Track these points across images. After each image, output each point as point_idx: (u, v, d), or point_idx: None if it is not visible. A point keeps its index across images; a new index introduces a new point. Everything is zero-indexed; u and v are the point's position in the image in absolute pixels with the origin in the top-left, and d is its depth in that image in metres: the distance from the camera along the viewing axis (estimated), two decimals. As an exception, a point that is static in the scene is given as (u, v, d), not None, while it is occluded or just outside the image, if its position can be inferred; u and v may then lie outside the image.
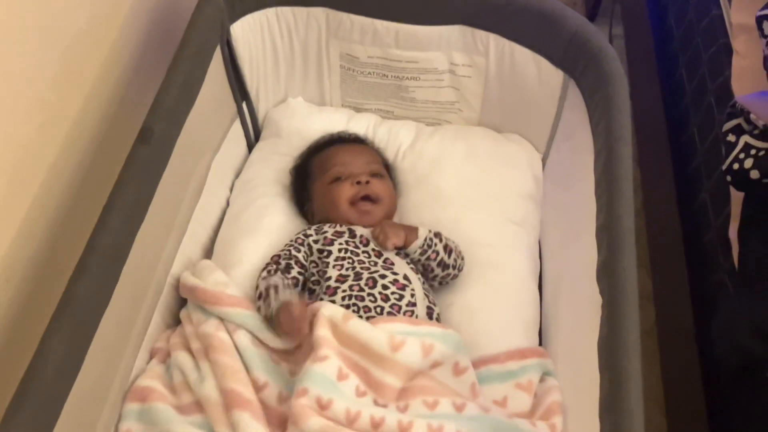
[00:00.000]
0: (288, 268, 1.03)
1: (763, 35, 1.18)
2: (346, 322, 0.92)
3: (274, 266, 1.04)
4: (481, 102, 1.30)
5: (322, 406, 0.84)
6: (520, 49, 1.19)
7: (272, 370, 0.93)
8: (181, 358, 0.95)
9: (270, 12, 1.22)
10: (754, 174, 1.05)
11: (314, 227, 1.11)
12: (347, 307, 0.97)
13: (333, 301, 0.98)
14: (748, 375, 1.06)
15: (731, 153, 1.09)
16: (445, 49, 1.23)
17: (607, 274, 0.87)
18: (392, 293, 0.99)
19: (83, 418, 0.82)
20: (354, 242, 1.07)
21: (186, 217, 1.09)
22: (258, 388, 0.91)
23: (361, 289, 0.99)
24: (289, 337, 0.95)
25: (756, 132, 1.09)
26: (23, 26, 0.90)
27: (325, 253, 1.05)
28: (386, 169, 1.20)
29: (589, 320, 0.89)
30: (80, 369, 0.79)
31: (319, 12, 1.23)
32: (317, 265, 1.05)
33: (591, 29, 1.12)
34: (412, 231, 1.07)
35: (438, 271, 1.07)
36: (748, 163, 1.06)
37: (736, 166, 1.08)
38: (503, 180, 1.22)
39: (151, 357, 0.99)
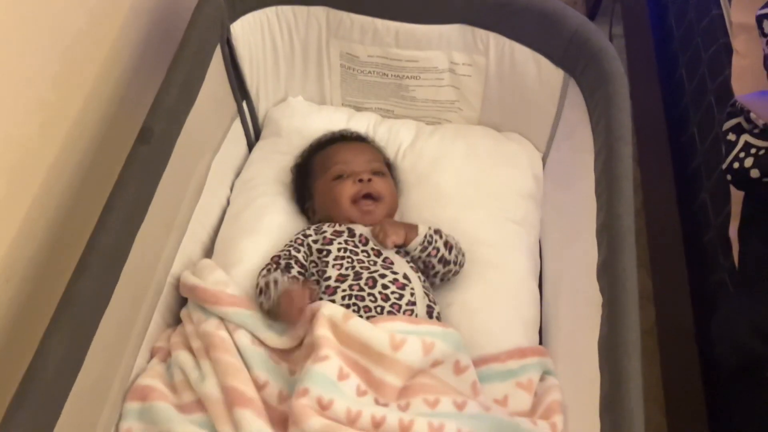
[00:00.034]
0: (288, 268, 1.03)
1: (763, 34, 1.18)
2: (346, 321, 0.92)
3: (274, 266, 1.04)
4: (481, 101, 1.30)
5: (323, 406, 0.84)
6: (520, 48, 1.19)
7: (272, 369, 0.94)
8: (182, 357, 0.95)
9: (270, 11, 1.23)
10: (755, 173, 1.05)
11: (313, 227, 1.11)
12: (347, 306, 0.97)
13: (333, 301, 0.98)
14: (748, 374, 1.06)
15: (731, 152, 1.09)
16: (445, 48, 1.23)
17: (607, 273, 0.87)
18: (392, 293, 0.99)
19: (84, 418, 0.82)
20: (353, 241, 1.07)
21: (186, 216, 1.09)
22: (258, 387, 0.91)
23: (361, 289, 0.99)
24: (291, 322, 0.95)
25: (756, 131, 1.09)
26: (23, 26, 0.90)
27: (324, 253, 1.05)
28: (388, 168, 1.20)
29: (589, 319, 0.89)
30: (80, 368, 0.79)
31: (319, 11, 1.23)
32: (316, 265, 1.05)
33: (591, 28, 1.12)
34: (411, 228, 1.07)
35: (439, 267, 1.07)
36: (749, 162, 1.06)
37: (736, 165, 1.08)
38: (503, 179, 1.22)
39: (151, 356, 0.99)
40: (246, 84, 1.26)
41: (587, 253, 0.95)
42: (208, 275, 1.02)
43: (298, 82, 1.34)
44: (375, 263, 1.03)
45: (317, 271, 1.04)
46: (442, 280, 1.10)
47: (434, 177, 1.23)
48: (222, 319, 0.97)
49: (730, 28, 1.41)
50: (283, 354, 0.96)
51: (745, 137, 1.09)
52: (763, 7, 1.17)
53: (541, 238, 1.21)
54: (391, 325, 0.93)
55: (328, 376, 0.87)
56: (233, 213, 1.19)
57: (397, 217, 1.19)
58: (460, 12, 1.19)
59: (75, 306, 0.79)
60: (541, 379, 0.98)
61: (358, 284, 1.00)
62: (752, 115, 1.09)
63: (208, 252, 1.15)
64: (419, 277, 1.04)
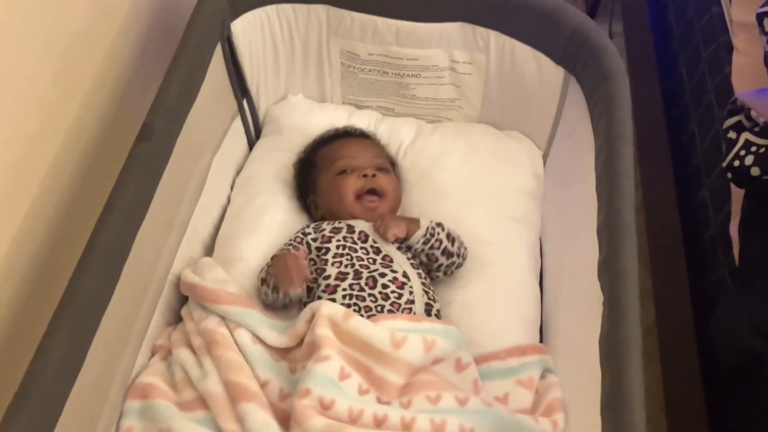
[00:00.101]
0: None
1: (763, 32, 1.18)
2: (346, 320, 0.92)
3: (272, 264, 1.04)
4: (481, 99, 1.30)
5: (325, 406, 0.84)
6: (520, 46, 1.19)
7: (273, 367, 0.93)
8: (183, 354, 0.95)
9: (270, 9, 1.22)
10: (755, 171, 1.06)
11: (312, 225, 1.11)
12: (348, 306, 0.97)
13: (333, 300, 0.98)
14: (748, 373, 1.06)
15: (732, 150, 1.09)
16: (446, 46, 1.23)
17: (608, 271, 0.87)
18: (392, 292, 0.99)
19: (85, 416, 0.82)
20: (352, 238, 1.07)
21: (187, 214, 1.09)
22: (259, 385, 0.91)
23: (362, 289, 0.99)
24: (289, 283, 0.98)
25: (756, 129, 1.09)
26: (23, 25, 0.89)
27: (323, 251, 1.05)
28: (391, 165, 1.20)
29: (590, 317, 0.89)
30: (81, 367, 0.79)
31: (319, 9, 1.23)
32: (315, 263, 1.05)
33: (591, 26, 1.12)
34: (413, 222, 1.08)
35: (443, 259, 1.07)
36: (749, 160, 1.06)
37: (736, 163, 1.08)
38: (504, 177, 1.23)
39: (152, 354, 0.99)
40: (246, 82, 1.26)
41: (588, 251, 0.95)
42: (208, 273, 1.02)
43: (298, 80, 1.34)
44: (374, 261, 1.03)
45: (316, 269, 1.04)
46: (445, 273, 1.10)
47: (435, 175, 1.23)
48: (222, 317, 0.97)
49: (730, 26, 1.41)
50: (283, 353, 0.96)
51: (745, 135, 1.09)
52: (763, 5, 1.17)
53: (541, 237, 1.21)
54: (391, 323, 0.93)
55: (330, 376, 0.87)
56: (234, 211, 1.19)
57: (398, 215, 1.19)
58: (460, 10, 1.19)
59: (76, 304, 0.79)
60: (542, 376, 0.98)
61: (359, 284, 1.00)
62: (753, 113, 1.09)
63: (209, 250, 1.15)
64: (419, 274, 1.04)
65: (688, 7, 1.65)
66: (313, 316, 0.93)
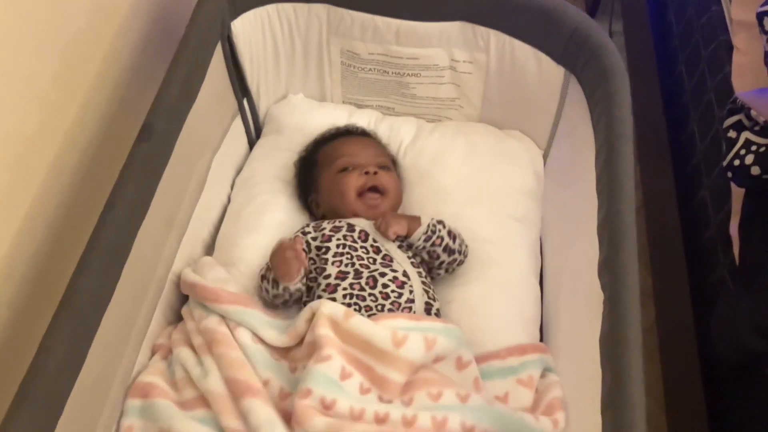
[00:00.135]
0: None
1: (763, 31, 1.18)
2: (347, 319, 0.92)
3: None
4: (481, 98, 1.30)
5: (326, 406, 0.84)
6: (520, 46, 1.19)
7: (273, 366, 0.93)
8: (184, 354, 0.95)
9: (271, 8, 1.22)
10: (755, 170, 1.06)
11: (312, 224, 1.11)
12: (348, 305, 0.97)
13: (333, 299, 0.98)
14: (747, 372, 1.06)
15: (732, 149, 1.09)
16: (446, 45, 1.23)
17: (608, 270, 0.87)
18: (392, 291, 0.99)
19: (85, 415, 0.82)
20: (352, 236, 1.07)
21: (187, 214, 1.09)
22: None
23: (362, 288, 0.99)
24: (286, 273, 0.98)
25: (757, 128, 1.09)
26: (23, 24, 0.89)
27: (323, 250, 1.05)
28: (392, 164, 1.20)
29: (591, 316, 0.89)
30: (82, 366, 0.79)
31: (320, 8, 1.22)
32: (315, 262, 1.05)
33: (592, 25, 1.12)
34: (414, 219, 1.08)
35: (444, 257, 1.07)
36: (749, 159, 1.06)
37: (737, 162, 1.08)
38: (504, 176, 1.23)
39: (152, 353, 0.99)
40: (247, 81, 1.26)
41: (588, 250, 0.95)
42: (209, 273, 1.02)
43: (298, 79, 1.34)
44: (374, 261, 1.03)
45: (315, 269, 1.04)
46: (447, 270, 1.10)
47: (435, 174, 1.23)
48: (222, 316, 0.97)
49: (730, 25, 1.41)
50: (283, 352, 0.96)
51: (745, 134, 1.09)
52: (763, 5, 1.17)
53: (541, 236, 1.21)
54: (392, 322, 0.93)
55: (331, 376, 0.87)
56: (234, 210, 1.19)
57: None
58: (460, 9, 1.19)
59: (76, 304, 0.79)
60: (542, 376, 0.98)
61: (359, 283, 1.00)
62: (753, 113, 1.09)
63: (209, 249, 1.15)
64: (419, 272, 1.04)
65: (688, 6, 1.65)
66: (313, 315, 0.93)
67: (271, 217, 1.15)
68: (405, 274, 1.02)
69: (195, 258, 1.09)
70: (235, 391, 0.88)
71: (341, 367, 0.88)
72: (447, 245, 1.07)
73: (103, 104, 1.10)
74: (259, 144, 1.32)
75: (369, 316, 0.96)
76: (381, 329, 0.91)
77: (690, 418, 1.17)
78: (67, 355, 0.77)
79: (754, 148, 1.07)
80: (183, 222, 1.08)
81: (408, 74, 1.28)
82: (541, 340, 1.07)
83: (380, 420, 0.84)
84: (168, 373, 0.95)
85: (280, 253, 1.01)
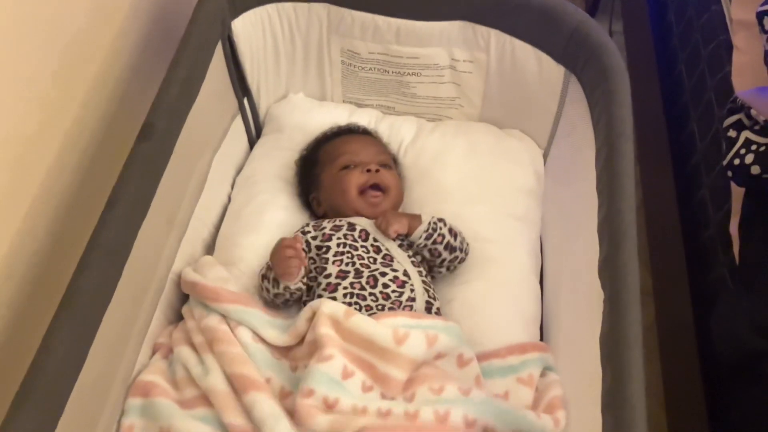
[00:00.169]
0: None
1: (763, 31, 1.18)
2: (348, 318, 0.92)
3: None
4: (482, 98, 1.30)
5: (329, 405, 0.84)
6: (521, 45, 1.19)
7: (274, 365, 0.94)
8: (184, 353, 0.95)
9: (271, 8, 1.22)
10: (755, 169, 1.06)
11: (312, 224, 1.11)
12: (349, 305, 0.97)
13: (334, 298, 0.98)
14: (747, 370, 1.06)
15: (732, 149, 1.09)
16: (446, 44, 1.23)
17: (608, 269, 0.87)
18: (392, 291, 0.99)
19: (86, 414, 0.82)
20: (353, 236, 1.07)
21: (187, 213, 1.09)
22: (261, 382, 0.91)
23: (363, 288, 0.99)
24: (287, 271, 0.98)
25: (757, 127, 1.09)
26: (23, 24, 0.89)
27: (324, 249, 1.05)
28: (393, 163, 1.20)
29: (591, 315, 0.89)
30: (83, 365, 0.79)
31: (320, 8, 1.23)
32: (315, 262, 1.05)
33: (592, 24, 1.12)
34: (415, 218, 1.08)
35: (446, 254, 1.07)
36: (749, 158, 1.06)
37: (737, 161, 1.08)
38: (504, 175, 1.23)
39: (153, 353, 0.99)
40: (247, 81, 1.26)
41: (588, 249, 0.95)
42: (209, 272, 1.02)
43: (299, 78, 1.34)
44: (375, 260, 1.03)
45: (315, 268, 1.04)
46: (448, 269, 1.10)
47: (436, 173, 1.23)
48: (223, 315, 0.97)
49: (730, 24, 1.41)
50: (283, 351, 0.96)
51: (745, 134, 1.09)
52: (763, 4, 1.18)
53: (542, 235, 1.21)
54: (393, 320, 0.93)
55: (332, 376, 0.87)
56: (234, 210, 1.19)
57: (399, 213, 1.20)
58: (460, 9, 1.19)
59: (77, 303, 0.79)
60: (542, 374, 0.98)
61: (360, 282, 1.00)
62: (753, 112, 1.09)
63: (210, 249, 1.15)
64: (420, 272, 1.04)
65: (688, 5, 1.65)
66: (313, 314, 0.93)
67: (272, 217, 1.15)
68: (405, 273, 1.02)
69: (195, 257, 1.09)
70: (239, 386, 0.88)
71: (343, 366, 0.88)
72: (448, 243, 1.07)
73: (103, 104, 1.10)
74: (260, 143, 1.32)
75: (369, 315, 0.96)
76: (382, 327, 0.91)
77: (690, 416, 1.18)
78: (67, 354, 0.77)
79: (754, 147, 1.07)
80: (183, 221, 1.08)
81: (408, 73, 1.28)
82: (542, 339, 1.07)
83: (383, 416, 0.84)
84: (168, 372, 0.95)
85: (280, 252, 1.01)
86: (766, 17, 1.17)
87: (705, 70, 1.47)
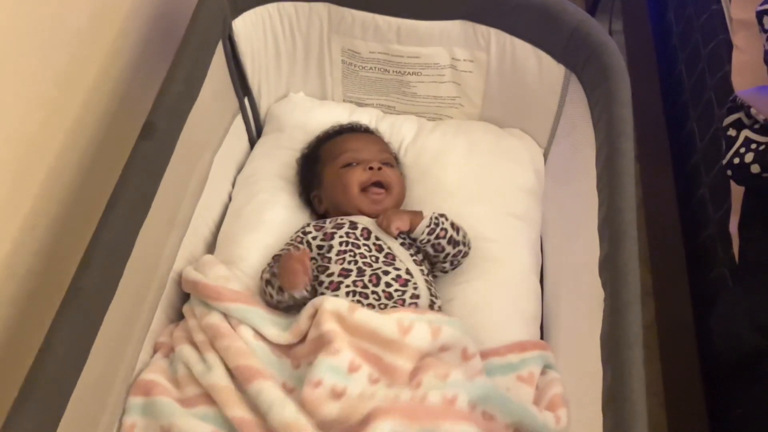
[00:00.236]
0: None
1: (763, 30, 1.18)
2: (352, 313, 0.92)
3: (275, 264, 1.04)
4: (482, 97, 1.30)
5: (337, 394, 0.85)
6: (521, 44, 1.19)
7: (275, 363, 0.94)
8: (186, 351, 0.95)
9: (272, 7, 1.22)
10: (755, 168, 1.06)
11: (313, 224, 1.11)
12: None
13: (336, 296, 0.98)
14: (747, 369, 1.06)
15: (732, 147, 1.09)
16: (447, 44, 1.23)
17: (609, 268, 0.88)
18: (395, 290, 0.99)
19: (88, 412, 0.82)
20: (354, 234, 1.07)
21: (188, 212, 1.09)
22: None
23: (365, 286, 0.99)
24: (293, 282, 0.97)
25: (756, 126, 1.09)
26: (24, 24, 0.90)
27: (326, 248, 1.05)
28: (395, 161, 1.20)
29: (591, 314, 0.89)
30: (85, 364, 0.79)
31: (320, 7, 1.23)
32: (317, 261, 1.05)
33: (592, 23, 1.12)
34: (416, 215, 1.08)
35: (449, 249, 1.07)
36: (749, 157, 1.06)
37: (736, 160, 1.08)
38: (505, 175, 1.23)
39: (154, 351, 0.99)
40: (248, 80, 1.27)
41: (589, 248, 0.96)
42: (210, 271, 1.02)
43: (299, 78, 1.34)
44: (377, 259, 1.03)
45: (317, 267, 1.04)
46: (452, 264, 1.10)
47: (436, 172, 1.23)
48: (224, 314, 0.98)
49: (730, 23, 1.41)
50: (285, 349, 0.96)
51: (745, 133, 1.09)
52: (763, 3, 1.18)
53: (542, 234, 1.21)
54: (397, 314, 0.93)
55: (340, 369, 0.87)
56: (235, 209, 1.19)
57: (400, 213, 1.20)
58: (461, 8, 1.19)
59: (79, 301, 0.80)
60: (543, 373, 0.98)
61: (362, 281, 1.00)
62: (753, 111, 1.09)
63: (211, 248, 1.15)
64: (422, 270, 1.04)
65: (688, 4, 1.65)
66: (315, 312, 0.93)
67: (272, 215, 1.15)
68: (408, 272, 1.02)
69: (196, 256, 1.09)
70: (243, 377, 0.88)
71: (350, 360, 0.88)
72: (451, 237, 1.07)
73: (104, 103, 1.10)
74: (260, 142, 1.32)
75: (373, 312, 0.96)
76: (387, 319, 0.91)
77: (690, 415, 1.18)
78: (69, 353, 0.77)
79: (753, 146, 1.07)
80: (184, 220, 1.08)
81: (409, 73, 1.28)
82: (542, 338, 1.07)
83: (391, 400, 0.84)
84: (170, 371, 0.95)
85: (287, 265, 1.00)
86: (765, 16, 1.17)
87: (705, 70, 1.47)
